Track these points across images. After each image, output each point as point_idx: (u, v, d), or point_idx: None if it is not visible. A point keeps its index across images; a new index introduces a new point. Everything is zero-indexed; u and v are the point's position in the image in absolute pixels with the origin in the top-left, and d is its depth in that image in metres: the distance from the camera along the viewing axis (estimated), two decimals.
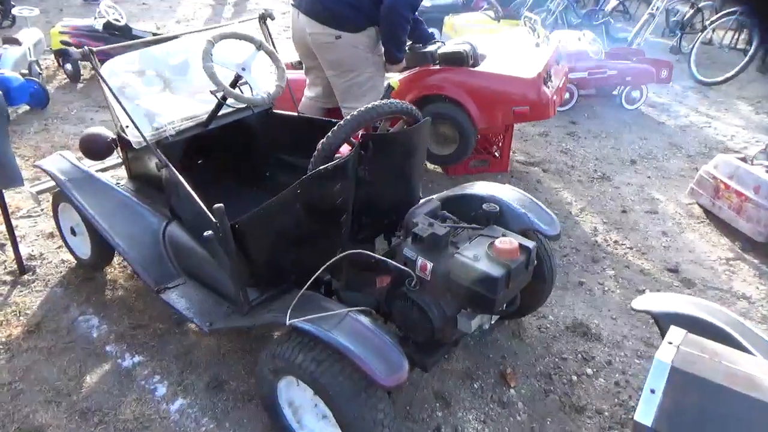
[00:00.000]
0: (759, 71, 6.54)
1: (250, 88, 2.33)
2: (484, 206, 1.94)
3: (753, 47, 6.05)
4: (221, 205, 1.81)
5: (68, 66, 5.25)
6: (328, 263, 1.82)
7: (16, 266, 2.84)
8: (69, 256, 2.94)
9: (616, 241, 3.34)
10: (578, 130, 4.90)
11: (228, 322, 2.05)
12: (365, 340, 1.67)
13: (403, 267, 1.82)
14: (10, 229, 2.73)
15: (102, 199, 2.55)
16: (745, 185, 3.29)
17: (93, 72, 5.58)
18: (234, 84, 2.31)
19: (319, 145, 1.97)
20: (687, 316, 2.05)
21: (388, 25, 3.03)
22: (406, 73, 3.63)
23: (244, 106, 2.62)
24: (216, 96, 2.31)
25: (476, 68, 3.51)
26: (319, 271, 1.81)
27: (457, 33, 6.29)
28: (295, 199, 1.87)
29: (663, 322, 2.09)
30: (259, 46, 2.34)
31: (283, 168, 2.91)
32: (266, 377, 1.87)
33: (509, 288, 1.72)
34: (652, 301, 2.16)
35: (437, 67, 3.55)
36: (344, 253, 1.84)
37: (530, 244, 1.78)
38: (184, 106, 2.50)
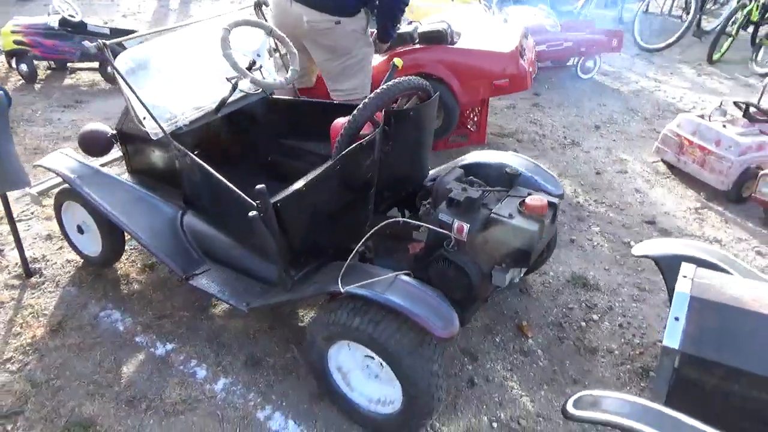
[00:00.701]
0: (695, 36, 6.98)
1: (261, 73, 2.39)
2: (507, 170, 2.10)
3: (690, 14, 6.47)
4: (263, 186, 1.89)
5: (23, 66, 5.06)
6: (372, 231, 1.94)
7: (20, 270, 2.80)
8: (73, 256, 2.92)
9: (596, 200, 3.59)
10: (541, 101, 5.14)
11: (268, 299, 2.13)
12: (419, 299, 1.80)
13: (441, 230, 1.95)
14: (15, 232, 2.70)
15: (114, 193, 2.56)
16: (706, 140, 3.60)
17: (49, 72, 5.41)
18: (249, 69, 2.36)
19: (345, 124, 2.06)
20: (684, 255, 2.28)
21: (390, 2, 3.12)
22: (386, 55, 3.73)
23: (246, 93, 2.68)
24: (231, 82, 2.36)
25: (455, 45, 3.65)
26: (363, 240, 1.93)
27: (414, 14, 6.43)
28: (332, 175, 1.97)
29: (663, 263, 2.33)
30: (270, 32, 2.40)
31: (284, 152, 2.98)
32: (318, 345, 1.98)
33: (541, 241, 1.89)
34: (651, 247, 2.39)
35: (418, 46, 3.68)
36: (388, 221, 1.96)
37: (555, 200, 1.96)
38: (193, 95, 2.53)
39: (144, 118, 2.28)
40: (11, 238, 2.75)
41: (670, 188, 3.78)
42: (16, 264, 2.84)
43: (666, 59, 6.49)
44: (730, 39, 6.27)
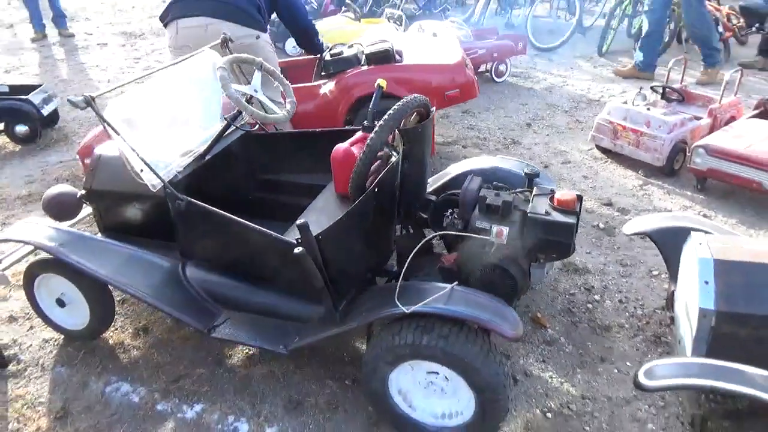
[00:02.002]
0: (579, 32, 7.63)
1: (262, 107, 2.34)
2: (526, 170, 2.20)
3: (576, 14, 7.09)
4: (305, 221, 1.85)
5: None
6: (418, 246, 1.96)
7: None
8: (50, 334, 2.64)
9: None
10: (470, 108, 5.38)
11: (313, 336, 2.07)
12: (482, 305, 1.84)
13: (484, 237, 2.01)
14: None
15: (103, 255, 2.37)
16: (637, 123, 3.96)
17: None
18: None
19: (363, 148, 2.07)
20: (672, 227, 2.51)
21: (303, 16, 3.58)
22: (333, 80, 3.75)
23: (228, 132, 2.61)
24: (232, 123, 2.28)
25: (402, 63, 3.75)
26: (410, 256, 1.94)
27: (326, 38, 6.49)
28: (368, 202, 1.97)
29: (656, 237, 2.55)
30: (260, 67, 2.35)
31: (265, 188, 2.92)
32: (380, 371, 1.95)
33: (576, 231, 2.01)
34: (641, 224, 2.61)
35: (365, 68, 3.73)
36: (433, 235, 1.99)
37: (578, 193, 2.09)
38: (179, 140, 2.41)
39: (141, 171, 2.14)
40: None
41: (612, 171, 4.11)
42: None
43: (562, 56, 7.04)
44: (612, 32, 6.93)
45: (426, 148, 2.40)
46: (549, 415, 2.20)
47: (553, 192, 2.10)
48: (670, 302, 2.63)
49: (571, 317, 2.69)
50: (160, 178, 2.15)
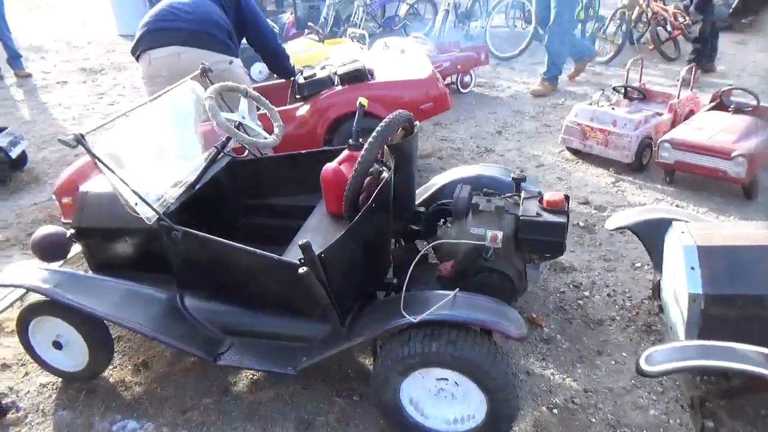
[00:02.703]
0: (537, 40, 7.88)
1: (248, 133, 2.37)
2: (513, 175, 2.28)
3: (532, 23, 7.32)
4: (307, 240, 1.89)
5: None
6: (419, 255, 2.02)
7: None
8: (47, 378, 2.59)
9: None
10: (441, 120, 5.49)
11: (320, 354, 2.09)
12: (487, 309, 1.91)
13: (479, 243, 2.08)
14: None
15: (100, 293, 2.35)
16: (604, 123, 4.13)
17: None
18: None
19: (355, 166, 2.13)
20: (652, 219, 2.63)
21: (273, 41, 3.67)
22: (308, 102, 3.81)
23: (216, 160, 2.63)
24: (222, 150, 2.30)
25: (375, 81, 3.83)
26: (412, 266, 2.00)
27: (293, 61, 6.56)
28: (367, 219, 2.02)
29: (638, 230, 2.66)
30: (246, 94, 2.38)
31: (253, 213, 2.94)
32: (391, 382, 1.99)
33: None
34: (621, 219, 2.72)
35: (339, 88, 3.80)
36: (431, 244, 2.05)
37: (565, 193, 2.18)
38: (171, 171, 2.43)
39: (136, 204, 2.15)
40: None
41: (584, 171, 4.26)
42: None
43: (522, 64, 7.25)
44: None
45: (413, 161, 2.47)
46: (555, 411, 2.27)
47: (541, 194, 2.19)
48: (656, 292, 2.74)
49: (564, 315, 2.77)
50: (155, 210, 2.16)
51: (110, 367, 2.61)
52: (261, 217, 2.94)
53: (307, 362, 2.10)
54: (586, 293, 2.92)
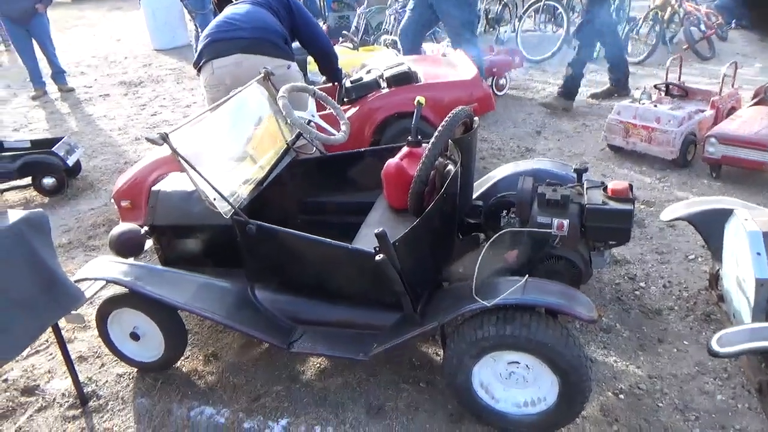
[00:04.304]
0: (565, 43, 7.92)
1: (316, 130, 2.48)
2: (575, 167, 2.35)
3: (564, 26, 7.37)
4: (382, 229, 1.97)
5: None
6: (492, 238, 2.09)
7: (73, 399, 2.56)
8: (123, 369, 2.71)
9: None
10: (479, 122, 5.56)
11: (393, 340, 2.17)
12: (557, 293, 1.97)
13: (547, 230, 2.15)
14: (69, 361, 2.47)
15: (175, 285, 2.47)
16: (647, 120, 4.15)
17: None
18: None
19: (421, 160, 2.21)
20: (710, 210, 2.66)
21: (327, 43, 3.78)
22: (356, 105, 3.92)
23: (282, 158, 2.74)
24: (292, 147, 2.41)
25: (421, 83, 3.93)
26: (484, 249, 2.07)
27: None
28: (438, 208, 2.10)
29: (695, 220, 2.69)
30: (313, 94, 2.49)
31: (311, 211, 3.04)
32: (464, 366, 2.06)
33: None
34: (677, 210, 2.76)
35: (386, 90, 3.90)
36: (501, 232, 2.12)
37: (628, 181, 2.24)
38: (242, 169, 2.54)
39: (215, 199, 2.26)
40: (43, 369, 2.51)
41: (629, 168, 4.29)
42: (63, 394, 2.59)
43: (554, 66, 7.29)
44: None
45: (473, 156, 2.55)
46: (621, 396, 2.31)
47: (604, 184, 2.25)
48: (713, 282, 2.77)
49: (621, 305, 2.81)
50: (231, 205, 2.26)
51: (182, 358, 2.72)
52: (319, 215, 3.04)
53: (379, 348, 2.18)
54: (642, 284, 2.95)
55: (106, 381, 2.68)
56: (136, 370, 2.69)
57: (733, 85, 4.56)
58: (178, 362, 2.70)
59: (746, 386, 2.29)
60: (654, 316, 2.72)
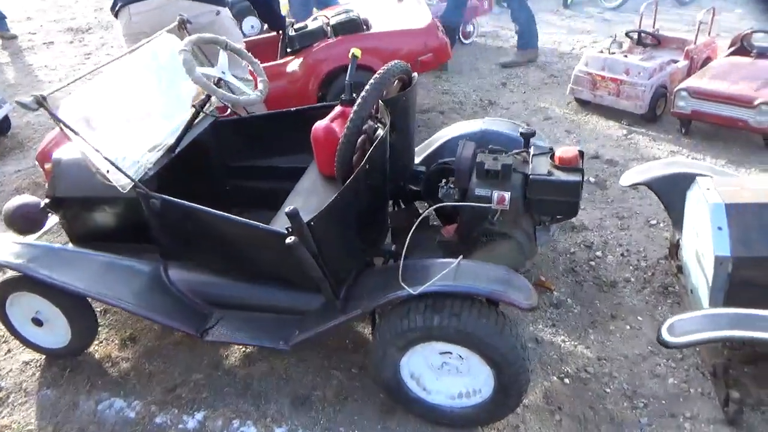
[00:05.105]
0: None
1: (231, 90, 2.16)
2: (521, 130, 2.07)
3: None
4: (294, 207, 1.70)
5: None
6: (417, 221, 1.84)
7: None
8: (30, 356, 2.46)
9: None
10: (441, 72, 5.23)
11: (314, 328, 1.94)
12: (493, 278, 1.74)
13: (485, 205, 1.89)
14: None
15: (78, 268, 2.20)
16: (616, 72, 3.87)
17: None
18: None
19: (347, 124, 1.93)
20: (671, 174, 2.44)
21: None
22: (300, 56, 3.56)
23: (196, 122, 2.43)
24: (201, 110, 2.10)
25: (371, 31, 3.58)
26: (410, 233, 1.82)
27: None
28: (362, 180, 1.83)
29: (656, 186, 2.47)
30: (225, 46, 2.16)
31: (242, 176, 2.75)
32: (390, 357, 1.85)
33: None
34: (637, 175, 2.52)
35: (333, 39, 3.55)
36: (431, 208, 1.87)
37: (577, 147, 1.98)
38: (147, 134, 2.23)
39: (108, 171, 1.96)
40: None
41: (594, 123, 4.03)
42: None
43: None
44: None
45: (412, 117, 2.27)
46: (567, 380, 2.13)
47: (552, 150, 1.99)
48: (673, 251, 2.57)
49: (575, 277, 2.61)
50: (129, 177, 1.97)
51: (96, 342, 2.47)
52: (251, 180, 2.75)
53: (300, 337, 1.95)
54: (599, 254, 2.74)
55: (11, 370, 2.43)
56: (44, 357, 2.44)
57: (709, 33, 4.27)
58: (91, 347, 2.45)
59: (700, 368, 2.13)
60: (609, 289, 2.52)
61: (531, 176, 1.88)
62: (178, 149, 2.35)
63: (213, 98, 2.19)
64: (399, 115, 2.13)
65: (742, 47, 3.96)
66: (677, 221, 2.41)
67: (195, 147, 2.46)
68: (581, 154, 1.93)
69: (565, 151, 1.90)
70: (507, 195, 1.88)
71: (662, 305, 2.42)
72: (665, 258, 2.67)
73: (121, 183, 1.99)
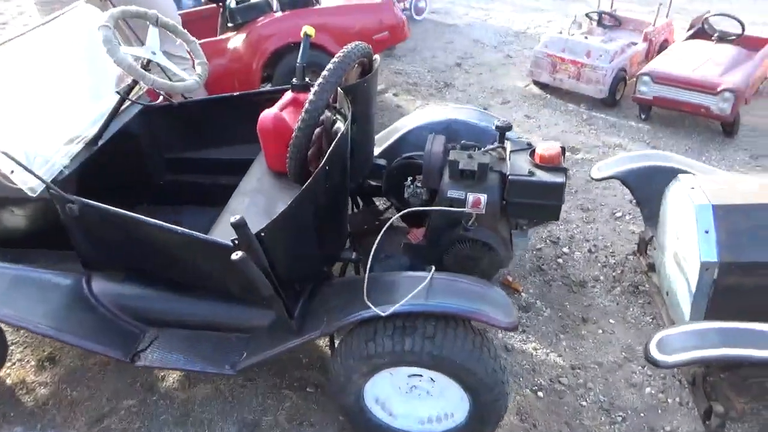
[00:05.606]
0: None
1: (165, 73, 1.85)
2: (497, 123, 1.86)
3: None
4: (240, 217, 1.44)
5: None
6: (383, 230, 1.61)
7: None
8: None
9: None
10: (392, 51, 4.96)
11: (266, 351, 1.69)
12: (469, 294, 1.54)
13: (459, 210, 1.68)
14: None
15: None
16: (577, 54, 3.72)
17: None
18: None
19: (303, 113, 1.66)
20: (645, 168, 2.30)
21: None
22: (243, 32, 3.23)
23: (124, 108, 2.09)
24: (127, 97, 1.78)
25: (321, 5, 3.28)
26: (377, 240, 1.60)
27: None
28: (321, 183, 1.58)
29: (629, 180, 2.33)
30: (156, 21, 1.83)
31: (179, 169, 2.44)
32: (352, 385, 1.63)
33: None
34: (609, 168, 2.37)
35: (279, 14, 3.23)
36: (400, 214, 1.64)
37: (559, 143, 1.79)
38: (63, 124, 1.89)
39: (12, 172, 1.63)
40: None
41: (554, 107, 3.89)
42: None
43: None
44: None
45: (372, 106, 2.03)
46: (541, 393, 1.98)
47: (531, 146, 1.79)
48: (642, 247, 2.46)
49: (543, 276, 2.46)
50: (40, 179, 1.65)
51: (8, 364, 2.14)
52: (189, 174, 2.45)
53: (249, 361, 1.71)
54: (566, 249, 2.61)
55: None
56: None
57: (667, 15, 4.19)
58: (3, 371, 2.12)
59: (677, 375, 2.02)
60: (578, 290, 2.39)
61: (510, 177, 1.68)
62: (101, 141, 2.02)
63: (142, 83, 1.87)
64: (359, 104, 1.88)
65: (702, 30, 3.89)
66: (650, 217, 2.29)
67: (122, 138, 2.13)
68: (563, 150, 1.74)
69: (547, 148, 1.70)
70: (483, 198, 1.68)
71: (633, 306, 2.31)
72: (633, 254, 2.56)
73: (30, 185, 1.67)
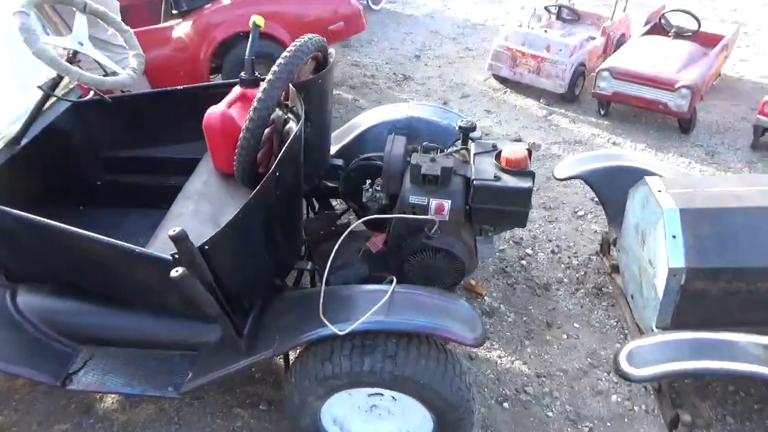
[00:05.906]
0: None
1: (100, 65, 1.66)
2: (461, 123, 1.75)
3: None
4: (181, 229, 1.29)
5: None
6: (339, 240, 1.49)
7: None
8: None
9: None
10: (351, 41, 4.82)
11: (211, 372, 1.55)
12: (433, 309, 1.44)
13: (421, 217, 1.57)
14: None
15: None
16: (537, 48, 3.67)
17: None
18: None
19: (250, 113, 1.52)
20: (609, 168, 2.26)
21: None
22: (189, 19, 3.03)
23: (48, 106, 1.89)
24: (51, 93, 1.58)
25: None
26: (334, 250, 1.47)
27: None
28: (273, 189, 1.44)
29: (593, 180, 2.27)
30: (84, 8, 1.63)
31: (116, 169, 2.25)
32: (308, 407, 1.51)
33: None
34: (572, 167, 2.32)
35: (229, 1, 3.04)
36: (359, 222, 1.52)
37: (527, 144, 1.70)
38: None
39: None
40: None
41: (514, 102, 3.83)
42: None
43: None
44: None
45: (328, 103, 1.89)
46: (506, 404, 1.90)
47: (496, 148, 1.69)
48: (605, 248, 2.42)
49: (506, 278, 2.39)
50: None
51: None
52: (128, 174, 2.26)
53: (194, 383, 1.56)
54: (529, 251, 2.54)
55: None
56: None
57: (624, 10, 4.18)
58: None
59: (643, 383, 1.98)
60: (542, 293, 2.33)
61: (475, 181, 1.58)
62: (24, 140, 1.82)
63: (67, 78, 1.67)
64: (314, 102, 1.75)
65: (658, 25, 3.89)
66: (614, 218, 2.25)
67: (50, 136, 1.93)
68: (529, 153, 1.65)
69: (513, 151, 1.61)
70: (447, 204, 1.57)
71: (597, 309, 2.26)
72: (596, 254, 2.51)
73: None
